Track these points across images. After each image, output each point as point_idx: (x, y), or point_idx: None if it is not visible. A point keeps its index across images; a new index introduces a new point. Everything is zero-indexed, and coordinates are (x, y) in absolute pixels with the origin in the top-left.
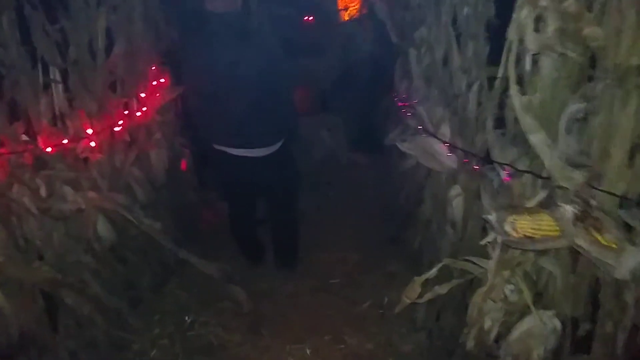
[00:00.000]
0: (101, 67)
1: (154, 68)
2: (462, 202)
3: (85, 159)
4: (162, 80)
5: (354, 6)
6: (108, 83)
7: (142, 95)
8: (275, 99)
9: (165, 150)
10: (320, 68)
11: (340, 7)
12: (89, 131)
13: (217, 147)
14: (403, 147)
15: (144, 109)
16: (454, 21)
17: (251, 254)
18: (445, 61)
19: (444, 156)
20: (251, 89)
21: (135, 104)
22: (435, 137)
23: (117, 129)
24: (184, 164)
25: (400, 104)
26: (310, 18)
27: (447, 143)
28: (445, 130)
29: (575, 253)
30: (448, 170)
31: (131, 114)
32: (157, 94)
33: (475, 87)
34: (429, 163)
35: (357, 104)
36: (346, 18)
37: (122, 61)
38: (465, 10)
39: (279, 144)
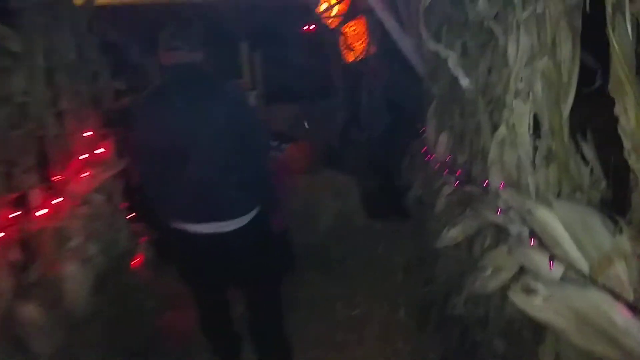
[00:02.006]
0: None
1: (87, 134)
2: None
3: None
4: (101, 150)
5: (359, 44)
6: None
7: (58, 178)
8: (243, 158)
9: (92, 262)
10: (322, 115)
11: (344, 47)
12: None
13: (175, 225)
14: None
15: (57, 200)
16: None
17: (228, 356)
18: None
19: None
20: (212, 149)
21: (39, 197)
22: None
23: None
24: (137, 260)
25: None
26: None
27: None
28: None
29: None
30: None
31: (29, 214)
32: (88, 173)
33: None
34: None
35: (373, 159)
36: (351, 58)
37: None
38: None
39: (251, 214)
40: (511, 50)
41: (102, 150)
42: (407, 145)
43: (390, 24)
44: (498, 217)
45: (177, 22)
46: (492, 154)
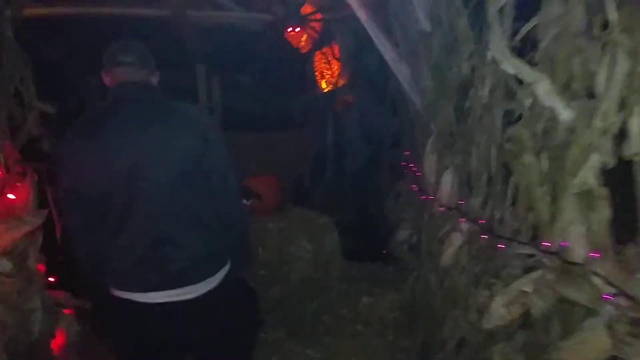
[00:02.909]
0: None
1: None
2: None
3: None
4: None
5: (331, 72)
6: None
7: None
8: (211, 202)
9: None
10: (288, 147)
11: (315, 73)
12: None
13: (116, 294)
14: None
15: None
16: None
17: None
18: None
19: None
20: (168, 191)
21: None
22: None
23: None
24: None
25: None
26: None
27: None
28: None
29: None
30: None
31: None
32: None
33: None
34: None
35: (350, 196)
36: (324, 87)
37: None
38: None
39: (219, 277)
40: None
41: (13, 196)
42: (389, 183)
43: (386, 50)
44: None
45: (127, 36)
46: (568, 208)
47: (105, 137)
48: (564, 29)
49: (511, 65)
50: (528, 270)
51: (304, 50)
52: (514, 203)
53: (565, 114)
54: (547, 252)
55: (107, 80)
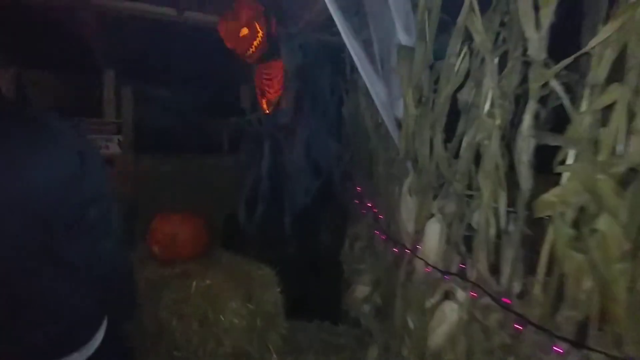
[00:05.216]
0: None
1: None
2: None
3: None
4: None
5: (274, 91)
6: None
7: None
8: (80, 249)
9: None
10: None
11: (257, 94)
12: None
13: None
14: None
15: None
16: None
17: None
18: None
19: None
20: (19, 235)
21: None
22: None
23: None
24: None
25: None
26: None
27: None
28: None
29: None
30: None
31: None
32: None
33: None
34: None
35: (296, 237)
36: (265, 107)
37: None
38: None
39: (95, 342)
40: None
41: None
42: (342, 224)
43: (363, 66)
44: None
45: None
46: None
47: None
48: None
49: None
50: None
51: (250, 61)
52: (548, 272)
53: None
54: None
55: None
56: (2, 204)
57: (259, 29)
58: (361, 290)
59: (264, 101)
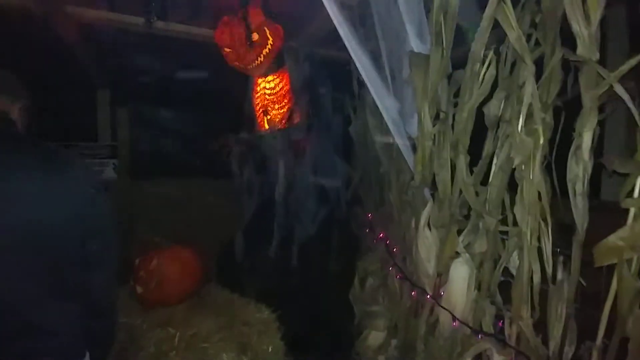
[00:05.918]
0: None
1: None
2: None
3: None
4: None
5: (277, 110)
6: None
7: None
8: (74, 282)
9: None
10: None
11: (257, 111)
12: None
13: None
14: None
15: None
16: None
17: None
18: None
19: None
20: (14, 265)
21: None
22: None
23: None
24: None
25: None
26: None
27: None
28: None
29: None
30: None
31: None
32: None
33: None
34: None
35: (301, 273)
36: (266, 126)
37: None
38: None
39: None
40: None
41: None
42: (352, 258)
43: (370, 78)
44: None
45: None
46: None
47: None
48: None
49: None
50: None
51: (254, 73)
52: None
53: None
54: None
55: None
56: (9, 234)
57: (269, 36)
58: (375, 337)
59: (265, 119)
